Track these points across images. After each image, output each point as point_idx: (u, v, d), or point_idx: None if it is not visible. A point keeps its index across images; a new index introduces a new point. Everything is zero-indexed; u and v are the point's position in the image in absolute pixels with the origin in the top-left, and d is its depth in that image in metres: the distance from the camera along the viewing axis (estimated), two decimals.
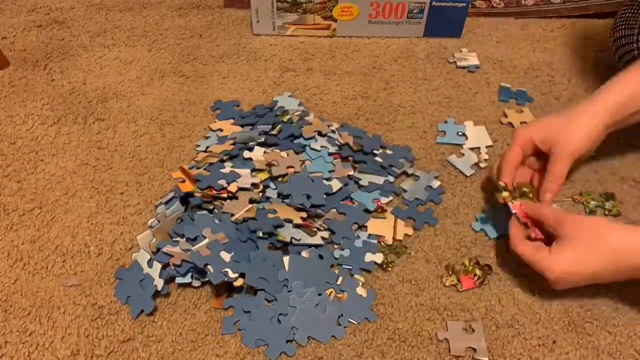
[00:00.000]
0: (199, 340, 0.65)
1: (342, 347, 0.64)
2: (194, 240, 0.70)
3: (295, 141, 0.84)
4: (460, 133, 0.88)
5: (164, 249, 0.70)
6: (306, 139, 0.83)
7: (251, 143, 0.82)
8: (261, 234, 0.71)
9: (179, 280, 0.69)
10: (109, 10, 1.15)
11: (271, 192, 0.77)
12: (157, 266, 0.69)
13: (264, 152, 0.81)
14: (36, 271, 0.71)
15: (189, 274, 0.69)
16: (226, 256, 0.69)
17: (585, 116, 0.71)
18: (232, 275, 0.67)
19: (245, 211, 0.73)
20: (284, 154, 0.81)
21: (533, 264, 0.64)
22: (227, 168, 0.78)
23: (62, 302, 0.68)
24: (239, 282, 0.67)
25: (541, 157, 0.74)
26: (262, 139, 0.83)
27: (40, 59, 1.03)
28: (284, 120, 0.86)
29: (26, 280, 0.71)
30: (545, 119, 0.75)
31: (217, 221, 0.72)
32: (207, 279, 0.68)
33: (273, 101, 0.93)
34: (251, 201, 0.75)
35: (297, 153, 0.82)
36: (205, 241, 0.70)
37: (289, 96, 0.94)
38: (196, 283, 0.69)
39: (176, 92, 0.97)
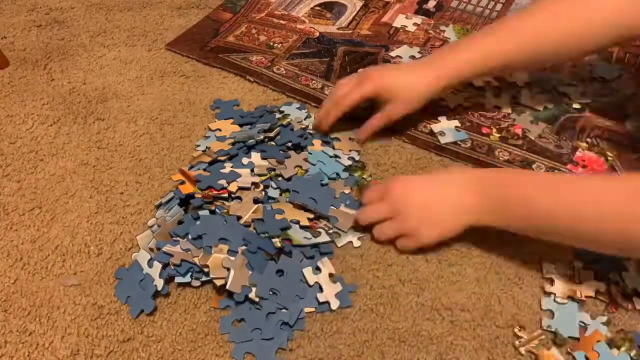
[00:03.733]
0: (199, 340, 0.65)
1: (342, 347, 0.64)
2: (198, 239, 0.70)
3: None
4: None
5: (164, 249, 0.70)
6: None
7: (250, 141, 0.82)
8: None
9: (178, 279, 0.69)
10: (108, 10, 1.15)
11: (272, 192, 0.77)
12: (158, 266, 0.69)
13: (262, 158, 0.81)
14: (36, 271, 0.71)
15: (189, 274, 0.69)
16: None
17: (422, 79, 0.80)
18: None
19: (252, 212, 0.73)
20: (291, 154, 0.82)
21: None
22: (227, 168, 0.78)
23: (62, 302, 0.68)
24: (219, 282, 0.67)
25: None
26: (261, 137, 0.83)
27: (40, 59, 1.03)
28: (284, 123, 0.86)
29: (26, 280, 0.70)
30: (392, 67, 0.90)
31: (224, 223, 0.72)
32: (206, 279, 0.68)
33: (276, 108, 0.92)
34: (255, 201, 0.75)
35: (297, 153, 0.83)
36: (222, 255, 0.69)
37: (297, 108, 0.92)
38: (196, 283, 0.69)
39: (176, 92, 0.97)
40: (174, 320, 0.67)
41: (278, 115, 0.89)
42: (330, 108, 0.83)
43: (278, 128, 0.85)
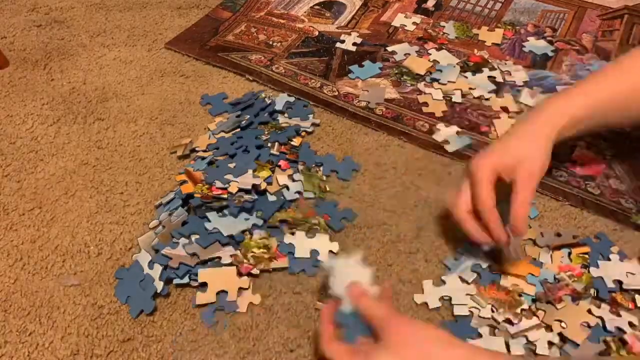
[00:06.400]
0: (199, 340, 0.65)
1: None
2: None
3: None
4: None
5: (163, 252, 0.70)
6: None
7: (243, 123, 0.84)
8: None
9: (176, 281, 0.69)
10: (108, 10, 1.15)
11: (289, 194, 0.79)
12: (158, 267, 0.69)
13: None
14: (36, 271, 0.72)
15: (187, 276, 0.69)
16: None
17: (540, 138, 0.67)
18: None
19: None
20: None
21: None
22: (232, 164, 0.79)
23: (61, 302, 0.69)
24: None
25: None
26: (245, 123, 0.86)
27: (40, 59, 1.03)
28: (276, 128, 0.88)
29: (26, 280, 0.71)
30: (498, 146, 0.69)
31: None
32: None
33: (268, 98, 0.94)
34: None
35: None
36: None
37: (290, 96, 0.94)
38: (195, 283, 0.69)
39: (176, 92, 0.97)
40: (174, 320, 0.67)
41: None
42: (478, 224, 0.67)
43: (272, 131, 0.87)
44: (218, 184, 0.76)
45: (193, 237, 0.72)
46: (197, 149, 0.85)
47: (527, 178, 0.64)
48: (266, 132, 0.86)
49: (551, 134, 0.67)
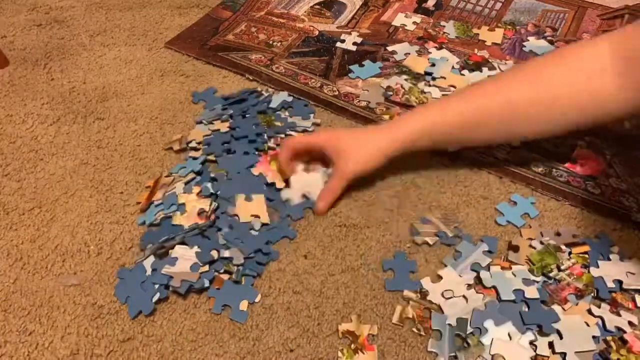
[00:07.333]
0: (199, 340, 0.65)
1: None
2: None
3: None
4: None
5: (163, 271, 0.69)
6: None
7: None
8: None
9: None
10: (109, 9, 1.15)
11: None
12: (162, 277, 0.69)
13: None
14: (36, 271, 0.72)
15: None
16: None
17: (375, 141, 0.75)
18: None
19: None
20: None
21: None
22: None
23: (61, 301, 0.68)
24: None
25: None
26: (230, 112, 0.88)
27: (40, 58, 1.03)
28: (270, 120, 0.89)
29: (26, 280, 0.71)
30: (337, 131, 0.83)
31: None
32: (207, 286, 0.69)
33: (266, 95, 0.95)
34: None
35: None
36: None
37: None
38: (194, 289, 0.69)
39: (176, 92, 0.97)
40: (174, 319, 0.67)
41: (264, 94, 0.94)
42: (279, 151, 0.80)
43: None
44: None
45: (194, 250, 0.71)
46: (193, 141, 0.85)
47: (345, 174, 0.75)
48: (262, 123, 0.88)
49: (387, 150, 0.74)
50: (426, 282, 0.70)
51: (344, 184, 0.77)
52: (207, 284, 0.68)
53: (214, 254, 0.70)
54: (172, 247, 0.71)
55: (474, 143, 0.81)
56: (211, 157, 0.83)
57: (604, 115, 0.70)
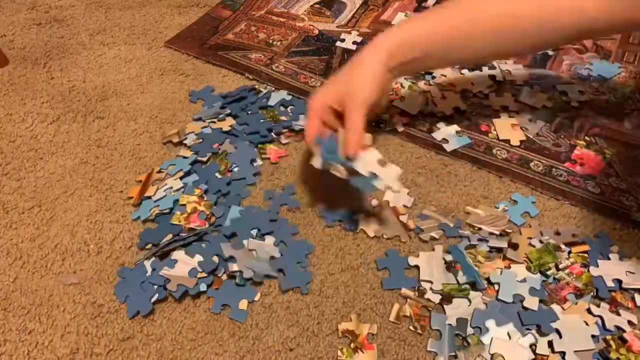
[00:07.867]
0: (199, 339, 0.65)
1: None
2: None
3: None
4: None
5: (161, 273, 0.69)
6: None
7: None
8: None
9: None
10: (108, 8, 1.15)
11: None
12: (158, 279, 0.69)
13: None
14: (35, 270, 0.72)
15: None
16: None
17: (367, 64, 0.71)
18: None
19: None
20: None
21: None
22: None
23: (61, 300, 0.68)
24: None
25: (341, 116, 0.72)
26: (228, 111, 0.89)
27: (39, 57, 1.03)
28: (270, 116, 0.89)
29: (25, 279, 0.71)
30: (332, 80, 0.75)
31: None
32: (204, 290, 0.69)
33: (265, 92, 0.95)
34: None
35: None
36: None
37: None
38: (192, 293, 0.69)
39: (176, 91, 0.97)
40: (174, 319, 0.67)
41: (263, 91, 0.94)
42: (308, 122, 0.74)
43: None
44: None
45: (196, 258, 0.71)
46: (191, 133, 0.86)
47: (356, 106, 0.69)
48: (268, 118, 0.89)
49: (381, 60, 0.70)
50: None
51: (363, 113, 0.70)
52: (204, 288, 0.68)
53: (215, 259, 0.70)
54: (174, 249, 0.71)
55: (462, 55, 0.76)
56: (202, 159, 0.83)
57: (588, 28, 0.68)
